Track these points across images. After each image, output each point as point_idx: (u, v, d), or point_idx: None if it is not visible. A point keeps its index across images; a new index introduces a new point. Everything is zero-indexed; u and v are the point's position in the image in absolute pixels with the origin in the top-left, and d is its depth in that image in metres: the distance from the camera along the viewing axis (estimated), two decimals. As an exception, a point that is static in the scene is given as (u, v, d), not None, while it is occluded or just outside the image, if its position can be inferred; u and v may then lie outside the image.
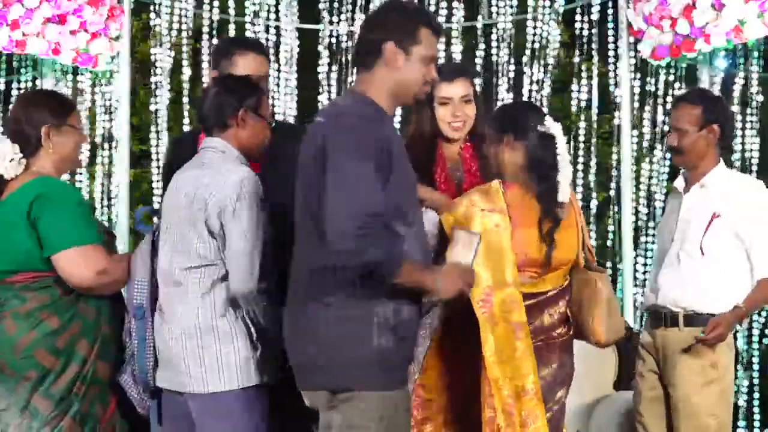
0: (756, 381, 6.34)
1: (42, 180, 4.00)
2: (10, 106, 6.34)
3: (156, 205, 6.66)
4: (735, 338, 5.87)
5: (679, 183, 4.95)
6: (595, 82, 6.86)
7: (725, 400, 4.81)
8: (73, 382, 3.93)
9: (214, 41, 6.91)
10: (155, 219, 4.22)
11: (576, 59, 6.95)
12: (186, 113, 6.97)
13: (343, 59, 7.27)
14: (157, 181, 6.78)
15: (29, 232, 3.91)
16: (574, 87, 6.95)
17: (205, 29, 7.03)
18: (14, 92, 6.50)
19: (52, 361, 3.91)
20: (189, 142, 4.49)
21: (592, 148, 6.91)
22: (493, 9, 7.11)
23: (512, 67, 7.09)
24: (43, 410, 3.90)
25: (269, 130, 4.19)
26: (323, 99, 7.18)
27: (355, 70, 3.70)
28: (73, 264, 3.90)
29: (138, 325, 4.06)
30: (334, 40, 7.30)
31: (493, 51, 7.08)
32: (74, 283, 3.92)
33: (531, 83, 7.04)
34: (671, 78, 6.41)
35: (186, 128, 6.97)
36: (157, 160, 6.81)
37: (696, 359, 4.71)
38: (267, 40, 6.99)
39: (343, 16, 7.29)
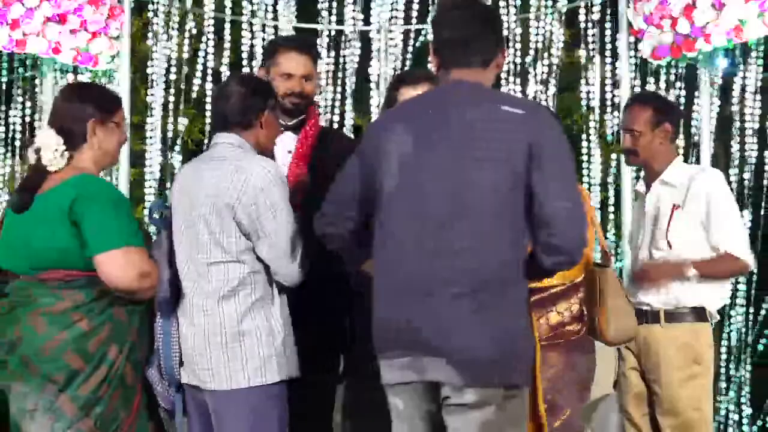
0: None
1: (84, 177, 3.94)
2: (11, 105, 6.47)
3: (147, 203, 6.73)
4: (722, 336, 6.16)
5: (640, 186, 5.12)
6: (597, 81, 6.91)
7: (707, 394, 4.91)
8: (99, 385, 3.88)
9: (211, 41, 6.96)
10: (167, 213, 4.17)
11: (582, 59, 6.99)
12: (181, 112, 6.97)
13: (341, 58, 7.33)
14: (154, 180, 6.81)
15: (70, 230, 3.85)
16: (577, 86, 7.00)
17: (208, 29, 7.03)
18: (14, 91, 6.51)
19: (80, 363, 3.86)
20: None
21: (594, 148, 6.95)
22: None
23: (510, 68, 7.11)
24: (69, 413, 3.86)
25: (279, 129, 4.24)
26: (323, 97, 7.22)
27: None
28: (117, 266, 3.83)
29: (163, 319, 4.06)
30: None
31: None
32: (115, 284, 3.85)
33: (536, 83, 7.08)
34: (672, 78, 6.44)
35: (181, 127, 6.95)
36: (151, 158, 6.81)
37: (679, 355, 4.81)
38: (264, 39, 7.03)
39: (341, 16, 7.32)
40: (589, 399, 4.36)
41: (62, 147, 3.96)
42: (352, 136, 6.93)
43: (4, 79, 6.58)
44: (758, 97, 6.38)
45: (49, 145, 3.95)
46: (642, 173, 5.19)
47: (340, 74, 7.37)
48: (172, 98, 6.94)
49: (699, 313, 4.86)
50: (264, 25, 7.20)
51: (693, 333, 4.86)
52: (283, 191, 3.99)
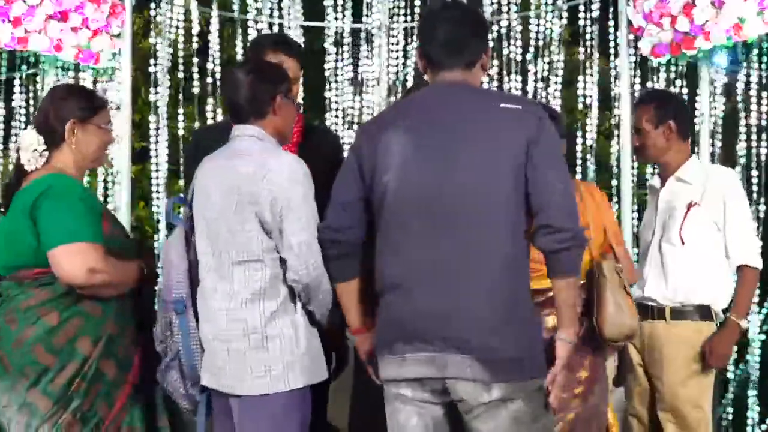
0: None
1: (52, 176, 3.97)
2: (13, 103, 6.50)
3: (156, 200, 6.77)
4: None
5: (655, 181, 5.20)
6: (595, 78, 6.93)
7: (709, 392, 4.97)
8: (71, 380, 3.89)
9: (216, 39, 6.99)
10: (184, 210, 4.15)
11: (581, 56, 6.98)
12: (182, 110, 6.98)
13: (348, 55, 7.36)
14: (156, 177, 6.84)
15: (30, 227, 3.90)
16: (577, 84, 6.98)
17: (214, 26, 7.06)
18: (16, 89, 6.52)
19: (49, 358, 3.89)
20: (218, 133, 4.42)
21: (593, 144, 6.96)
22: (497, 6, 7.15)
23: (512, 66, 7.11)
24: (42, 408, 3.88)
25: (297, 111, 4.19)
26: (329, 96, 7.27)
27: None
28: (65, 261, 3.84)
29: (180, 320, 4.01)
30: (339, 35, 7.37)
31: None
32: (65, 279, 3.87)
33: (536, 80, 7.11)
34: (672, 75, 6.43)
35: (181, 124, 6.98)
36: (156, 156, 6.83)
37: (682, 353, 4.87)
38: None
39: (347, 12, 7.38)
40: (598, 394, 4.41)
41: (42, 147, 4.01)
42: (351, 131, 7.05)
43: (6, 76, 6.55)
44: (764, 94, 6.36)
45: (28, 145, 4.01)
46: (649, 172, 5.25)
47: (341, 72, 7.39)
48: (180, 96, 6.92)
49: (704, 312, 4.92)
50: (270, 24, 7.22)
51: (697, 331, 4.91)
52: (307, 188, 3.90)
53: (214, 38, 7.01)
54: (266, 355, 3.84)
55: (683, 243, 4.91)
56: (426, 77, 3.80)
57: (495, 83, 7.08)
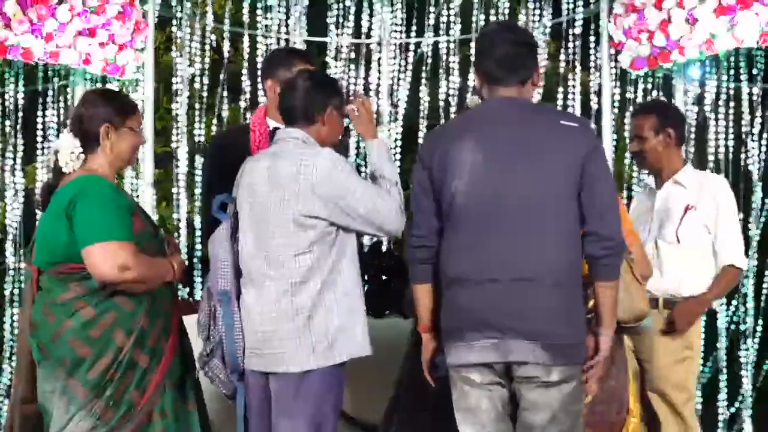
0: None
1: (86, 177, 4.04)
2: (47, 111, 6.58)
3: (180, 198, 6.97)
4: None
5: (651, 181, 5.35)
6: (578, 90, 7.05)
7: (694, 376, 5.25)
8: (107, 369, 3.96)
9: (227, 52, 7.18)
10: (229, 206, 4.23)
11: (561, 70, 7.12)
12: (198, 118, 7.15)
13: (350, 70, 7.53)
14: (177, 180, 7.05)
15: (66, 225, 3.96)
16: (559, 95, 7.13)
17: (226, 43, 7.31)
18: (49, 99, 6.66)
19: (86, 350, 3.96)
20: (238, 137, 4.68)
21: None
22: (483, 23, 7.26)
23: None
24: (80, 395, 3.96)
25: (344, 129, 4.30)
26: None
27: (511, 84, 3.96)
28: (97, 258, 3.90)
29: (224, 310, 4.11)
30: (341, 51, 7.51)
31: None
32: (98, 276, 3.93)
33: None
34: (649, 86, 6.59)
35: (197, 131, 7.13)
36: (177, 160, 7.04)
37: (672, 339, 5.10)
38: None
39: (347, 30, 7.53)
40: (615, 376, 4.46)
41: (78, 150, 4.07)
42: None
43: (40, 87, 6.70)
44: (732, 104, 6.49)
45: (65, 148, 4.08)
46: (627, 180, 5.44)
47: (344, 83, 7.50)
48: (197, 105, 7.12)
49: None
50: (278, 39, 7.38)
51: (687, 321, 5.13)
52: (349, 170, 4.04)
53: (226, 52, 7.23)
54: (309, 333, 4.00)
55: (679, 241, 5.12)
56: (483, 93, 4.01)
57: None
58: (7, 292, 6.73)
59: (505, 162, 3.82)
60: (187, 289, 6.87)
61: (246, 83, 7.37)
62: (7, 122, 6.72)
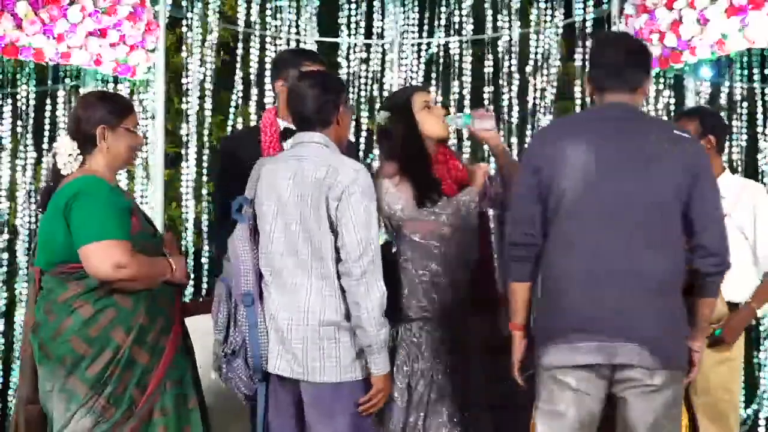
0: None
1: (83, 178, 4.06)
2: (57, 111, 6.62)
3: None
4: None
5: None
6: (588, 91, 7.01)
7: (737, 377, 5.27)
8: (106, 367, 3.98)
9: (239, 52, 7.20)
10: (246, 208, 4.22)
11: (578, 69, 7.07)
12: (209, 119, 7.23)
13: (362, 70, 7.57)
14: (186, 180, 7.10)
15: (64, 226, 4.00)
16: (576, 94, 7.10)
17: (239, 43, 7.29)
18: (59, 99, 6.71)
19: (85, 348, 3.98)
20: (248, 139, 4.70)
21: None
22: (499, 24, 7.36)
23: (517, 76, 7.31)
24: (80, 393, 3.98)
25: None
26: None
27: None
28: (93, 257, 3.94)
29: (248, 311, 4.11)
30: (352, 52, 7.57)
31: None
32: (94, 274, 3.96)
33: (535, 91, 7.27)
34: (660, 86, 6.59)
35: (206, 131, 7.20)
36: (187, 161, 7.08)
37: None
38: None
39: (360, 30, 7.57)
40: None
41: (76, 151, 4.09)
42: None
43: (51, 88, 6.74)
44: (744, 104, 6.54)
45: (63, 150, 4.10)
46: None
47: (356, 83, 7.60)
48: (208, 105, 7.17)
49: (733, 308, 5.14)
50: (288, 40, 7.41)
51: (728, 323, 5.14)
52: (368, 196, 4.03)
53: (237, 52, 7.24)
54: (337, 345, 4.02)
55: None
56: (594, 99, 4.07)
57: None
58: (18, 293, 6.77)
59: (617, 166, 3.86)
60: (192, 290, 6.93)
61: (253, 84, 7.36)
62: (19, 122, 6.77)
